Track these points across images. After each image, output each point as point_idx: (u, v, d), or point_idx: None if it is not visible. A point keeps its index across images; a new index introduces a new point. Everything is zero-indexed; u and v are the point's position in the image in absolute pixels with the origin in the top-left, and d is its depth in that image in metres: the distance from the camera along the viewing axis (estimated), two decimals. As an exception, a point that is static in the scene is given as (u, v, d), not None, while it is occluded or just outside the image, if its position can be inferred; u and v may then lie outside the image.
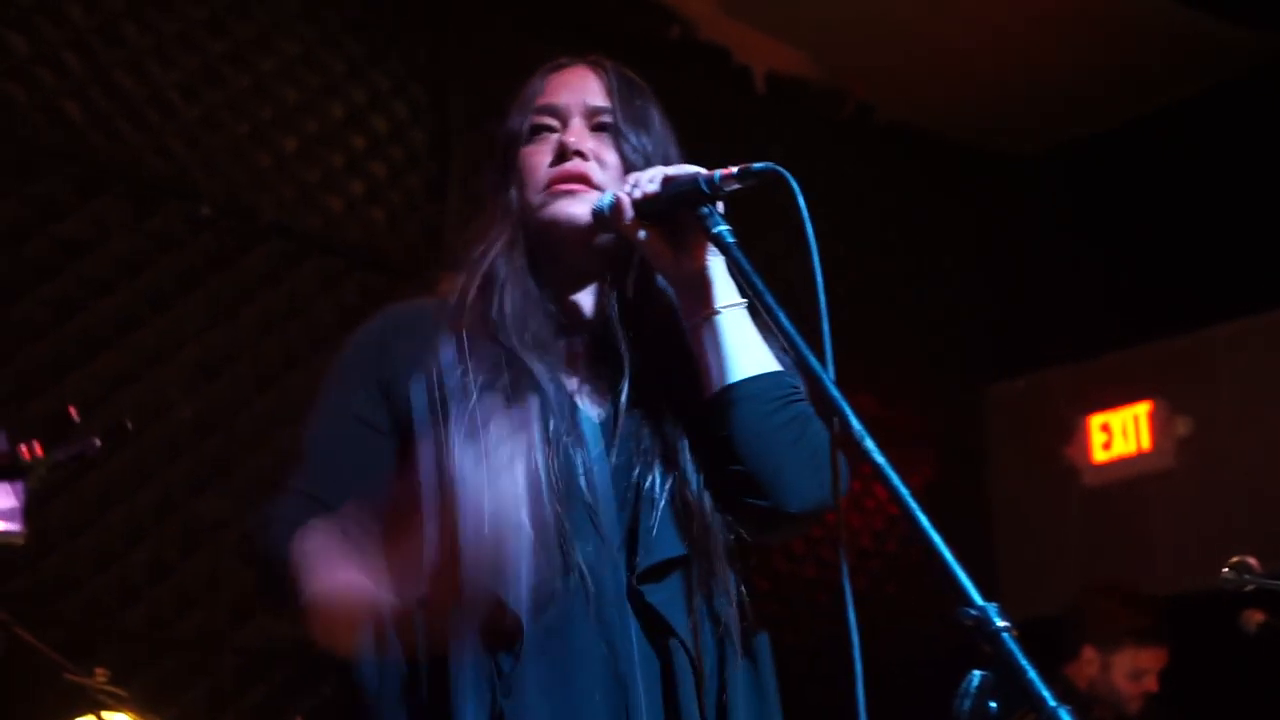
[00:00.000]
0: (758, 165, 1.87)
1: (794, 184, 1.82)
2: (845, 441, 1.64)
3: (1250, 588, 3.08)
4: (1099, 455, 6.84)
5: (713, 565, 1.92)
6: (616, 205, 1.97)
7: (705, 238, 1.92)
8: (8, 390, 4.52)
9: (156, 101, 4.95)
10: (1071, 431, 6.95)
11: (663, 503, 1.91)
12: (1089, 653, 4.79)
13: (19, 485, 2.96)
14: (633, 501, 1.92)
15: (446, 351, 1.92)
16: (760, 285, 1.78)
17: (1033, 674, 1.44)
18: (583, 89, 2.10)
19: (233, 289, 5.02)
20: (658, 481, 1.93)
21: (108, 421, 4.67)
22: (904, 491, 1.57)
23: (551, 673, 1.82)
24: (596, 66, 2.13)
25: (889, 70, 6.69)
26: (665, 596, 1.89)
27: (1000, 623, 1.48)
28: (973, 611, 1.50)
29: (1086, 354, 6.95)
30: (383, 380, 1.99)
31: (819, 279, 1.79)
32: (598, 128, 2.08)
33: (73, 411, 3.27)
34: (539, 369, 1.94)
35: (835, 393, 1.66)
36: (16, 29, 4.67)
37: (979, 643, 1.49)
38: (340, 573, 1.81)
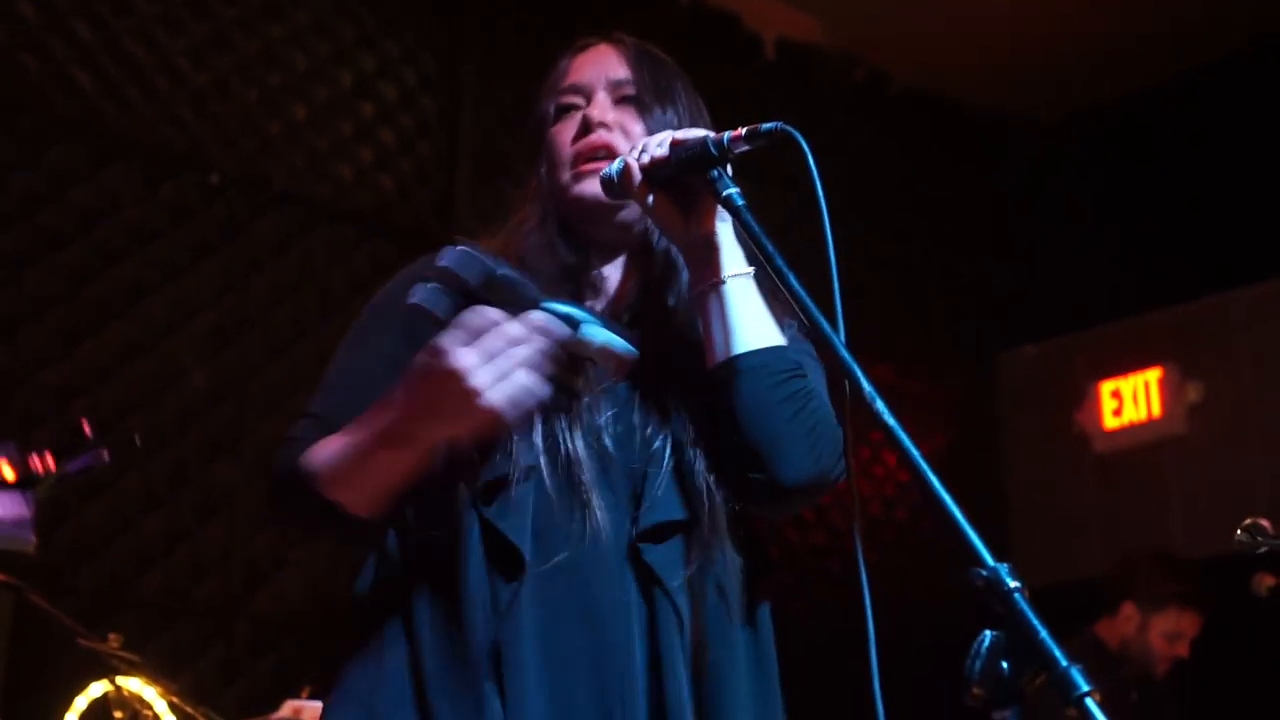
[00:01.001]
0: (766, 125, 1.86)
1: (804, 143, 1.81)
2: (856, 404, 1.63)
3: (1263, 550, 3.08)
4: (1110, 421, 6.84)
5: (714, 531, 1.92)
6: (625, 171, 1.96)
7: (715, 200, 1.92)
8: (21, 360, 4.54)
9: (166, 69, 4.95)
10: (1082, 398, 6.95)
11: (668, 468, 1.93)
12: (1129, 609, 4.82)
13: (29, 496, 2.98)
14: (641, 465, 1.94)
15: (416, 293, 1.89)
16: (770, 247, 1.78)
17: (1045, 633, 1.43)
18: (604, 64, 2.12)
19: (244, 257, 5.03)
20: (666, 448, 1.94)
21: (121, 420, 4.70)
22: (914, 452, 1.56)
23: (545, 611, 1.86)
24: (618, 43, 2.15)
25: (901, 36, 6.67)
26: (663, 557, 1.90)
27: (1012, 582, 1.48)
28: (984, 572, 1.49)
29: (1098, 320, 6.94)
30: (410, 322, 1.94)
31: (829, 238, 1.79)
32: (621, 100, 2.09)
33: (85, 425, 3.28)
34: None
35: (846, 355, 1.65)
36: (27, -1, 4.67)
37: (990, 603, 1.49)
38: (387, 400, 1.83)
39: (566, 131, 2.09)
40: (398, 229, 5.34)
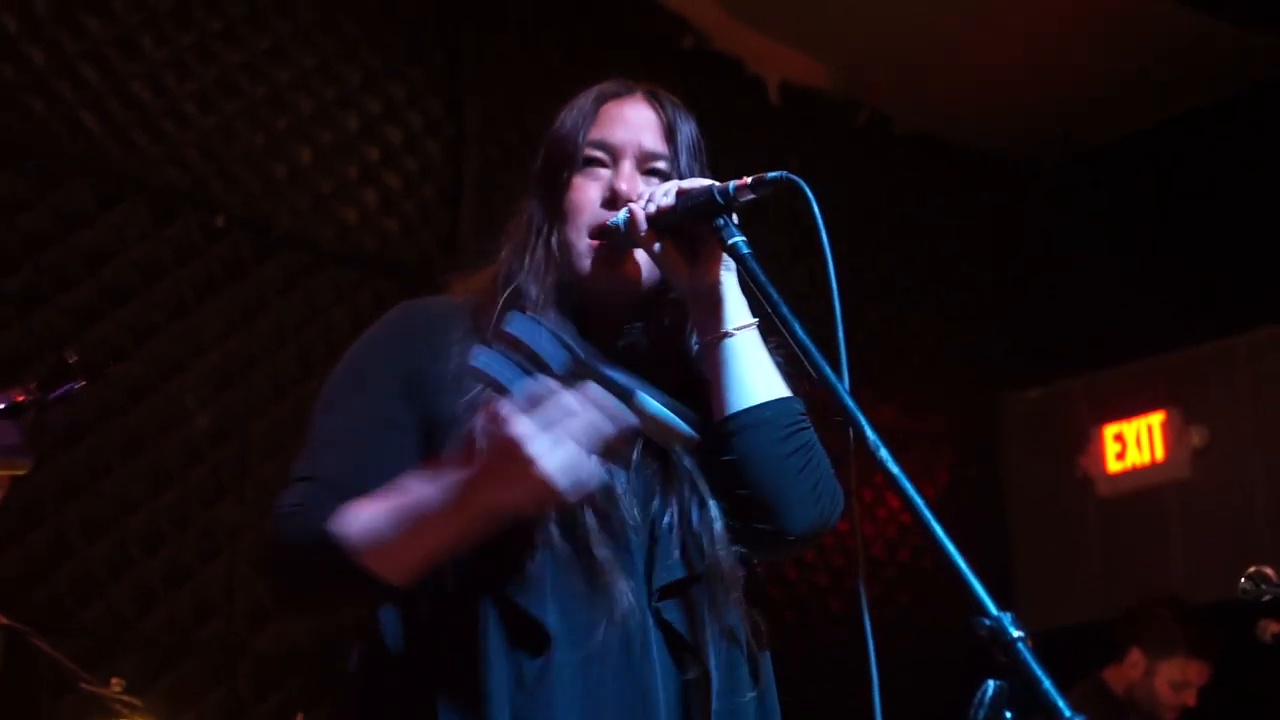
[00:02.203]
0: (772, 174, 1.88)
1: (808, 192, 1.83)
2: (860, 451, 1.64)
3: (1268, 598, 3.08)
4: (1113, 465, 6.84)
5: (724, 585, 1.94)
6: (631, 220, 1.97)
7: (721, 249, 1.93)
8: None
9: (173, 112, 4.97)
10: (1086, 441, 6.94)
11: (677, 524, 1.94)
12: (1135, 655, 4.80)
13: (18, 423, 3.05)
14: (651, 521, 1.94)
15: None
16: (776, 296, 1.79)
17: (1048, 683, 1.44)
18: (639, 128, 2.06)
19: (249, 298, 5.04)
20: (675, 506, 1.95)
21: (122, 427, 4.70)
22: (918, 500, 1.57)
23: (575, 685, 1.84)
24: (654, 102, 2.10)
25: (904, 79, 6.69)
26: (681, 614, 1.92)
27: (1015, 632, 1.48)
28: (987, 621, 1.50)
29: (1101, 363, 6.94)
30: (410, 373, 1.96)
31: (834, 287, 1.80)
32: (649, 172, 2.06)
33: (67, 355, 3.33)
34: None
35: (850, 402, 1.67)
36: (36, 41, 4.70)
37: (993, 652, 1.49)
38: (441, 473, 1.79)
39: (589, 190, 2.04)
40: (402, 270, 5.35)
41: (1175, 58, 6.50)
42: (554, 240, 2.04)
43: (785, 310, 1.76)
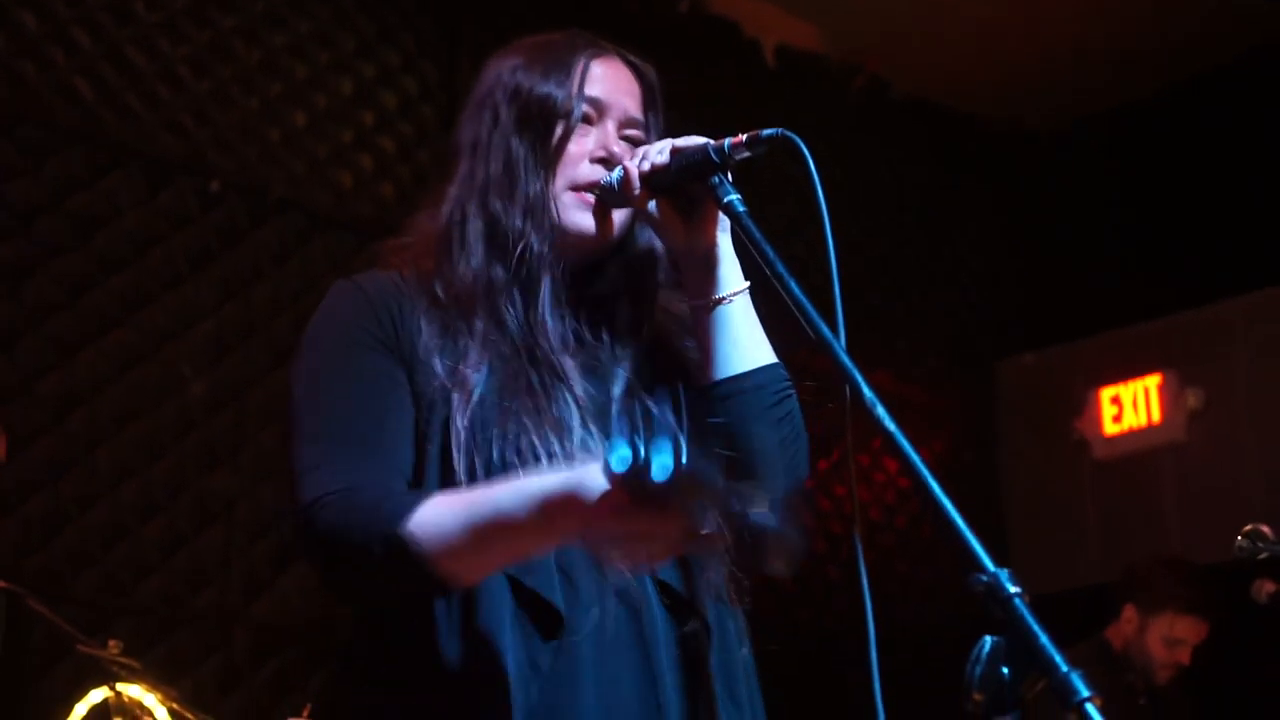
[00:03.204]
0: (767, 131, 1.87)
1: (804, 149, 1.82)
2: (856, 410, 1.64)
3: (1264, 556, 3.08)
4: (1110, 428, 6.84)
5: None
6: (625, 179, 1.96)
7: (716, 208, 1.92)
8: (21, 367, 4.54)
9: (167, 77, 4.95)
10: (1082, 405, 6.95)
11: None
12: (1129, 612, 4.83)
13: None
14: None
15: (447, 341, 1.87)
16: (771, 254, 1.78)
17: (1045, 639, 1.44)
18: (626, 92, 2.04)
19: (244, 264, 5.03)
20: None
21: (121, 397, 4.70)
22: (915, 458, 1.57)
23: (589, 661, 1.82)
24: (636, 71, 2.07)
25: (901, 43, 6.67)
26: (674, 573, 1.91)
27: (1012, 588, 1.48)
28: (984, 577, 1.50)
29: (1098, 327, 6.94)
30: (386, 340, 1.92)
31: (830, 244, 1.80)
32: (625, 138, 2.03)
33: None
34: (547, 351, 1.93)
35: (847, 360, 1.66)
36: (27, 6, 4.68)
37: (990, 608, 1.49)
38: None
39: (581, 145, 2.00)
40: (397, 232, 5.33)
41: (1173, 22, 6.48)
42: (536, 190, 1.98)
43: (781, 268, 1.75)
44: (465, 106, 2.09)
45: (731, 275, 1.97)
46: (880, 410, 1.59)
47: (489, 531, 1.69)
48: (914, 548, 6.59)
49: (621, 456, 1.49)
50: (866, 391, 1.62)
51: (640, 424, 1.50)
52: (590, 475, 1.57)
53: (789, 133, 1.85)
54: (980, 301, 7.26)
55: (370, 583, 1.80)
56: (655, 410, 1.70)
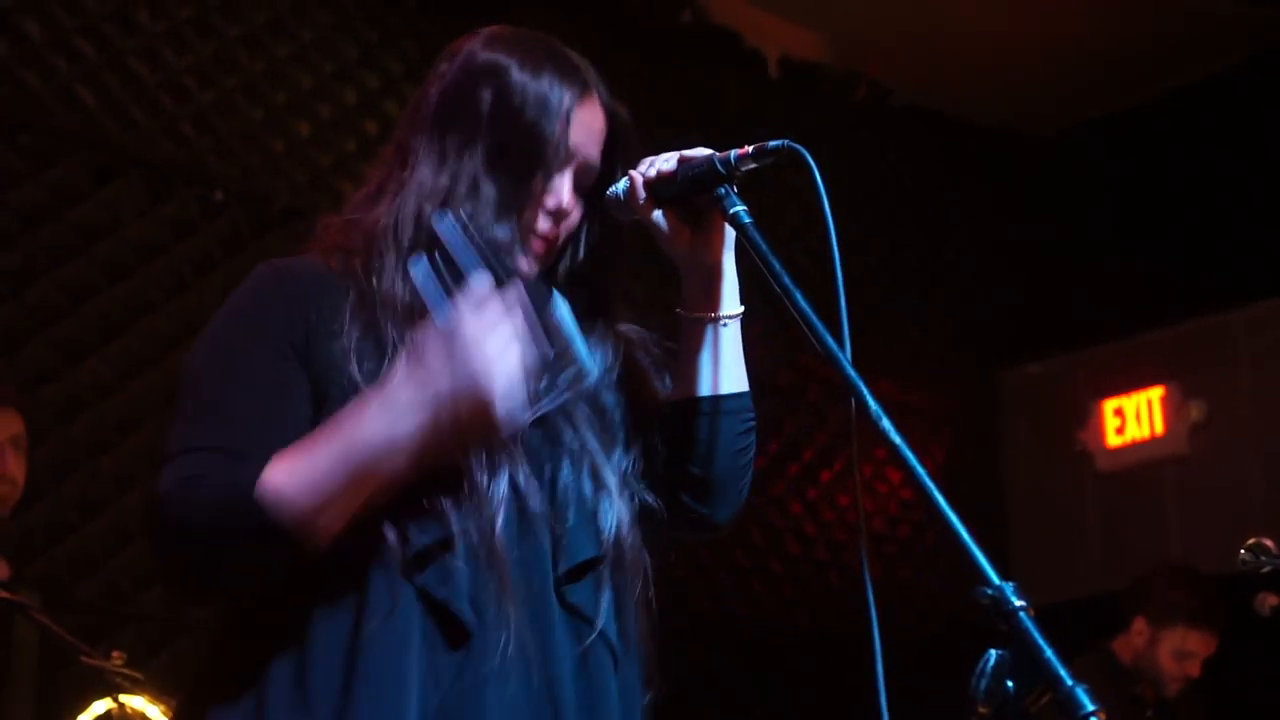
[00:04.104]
0: (774, 143, 1.87)
1: (810, 161, 1.83)
2: (861, 421, 1.64)
3: (1267, 569, 3.08)
4: (1112, 440, 6.84)
5: (624, 568, 1.92)
6: (631, 188, 1.96)
7: (722, 219, 1.93)
8: (24, 375, 4.54)
9: (170, 87, 4.96)
10: (1085, 416, 6.94)
11: (587, 502, 1.90)
12: (1139, 624, 4.79)
13: None
14: (561, 500, 1.88)
15: (418, 270, 1.76)
16: (777, 266, 1.78)
17: (1050, 652, 1.44)
18: (594, 140, 1.97)
19: (246, 273, 5.01)
20: (584, 481, 1.90)
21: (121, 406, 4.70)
22: (920, 471, 1.57)
23: (492, 675, 1.77)
24: (609, 112, 2.00)
25: (903, 51, 6.68)
26: (586, 596, 1.87)
27: (1017, 601, 1.48)
28: (989, 590, 1.50)
29: (1100, 338, 6.94)
30: (296, 336, 1.83)
31: (836, 256, 1.81)
32: (578, 186, 1.96)
33: None
34: None
35: (852, 372, 1.66)
36: (31, 14, 4.68)
37: (995, 622, 1.49)
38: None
39: (563, 184, 1.93)
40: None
41: (1174, 29, 6.48)
42: (505, 234, 1.88)
43: (787, 280, 1.76)
44: (435, 71, 2.00)
45: (731, 297, 2.01)
46: (886, 423, 1.60)
47: (349, 454, 1.67)
48: (916, 556, 6.58)
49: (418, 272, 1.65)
50: (872, 404, 1.62)
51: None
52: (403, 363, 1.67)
53: (795, 144, 1.86)
54: (983, 310, 7.26)
55: (219, 560, 1.73)
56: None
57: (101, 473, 4.64)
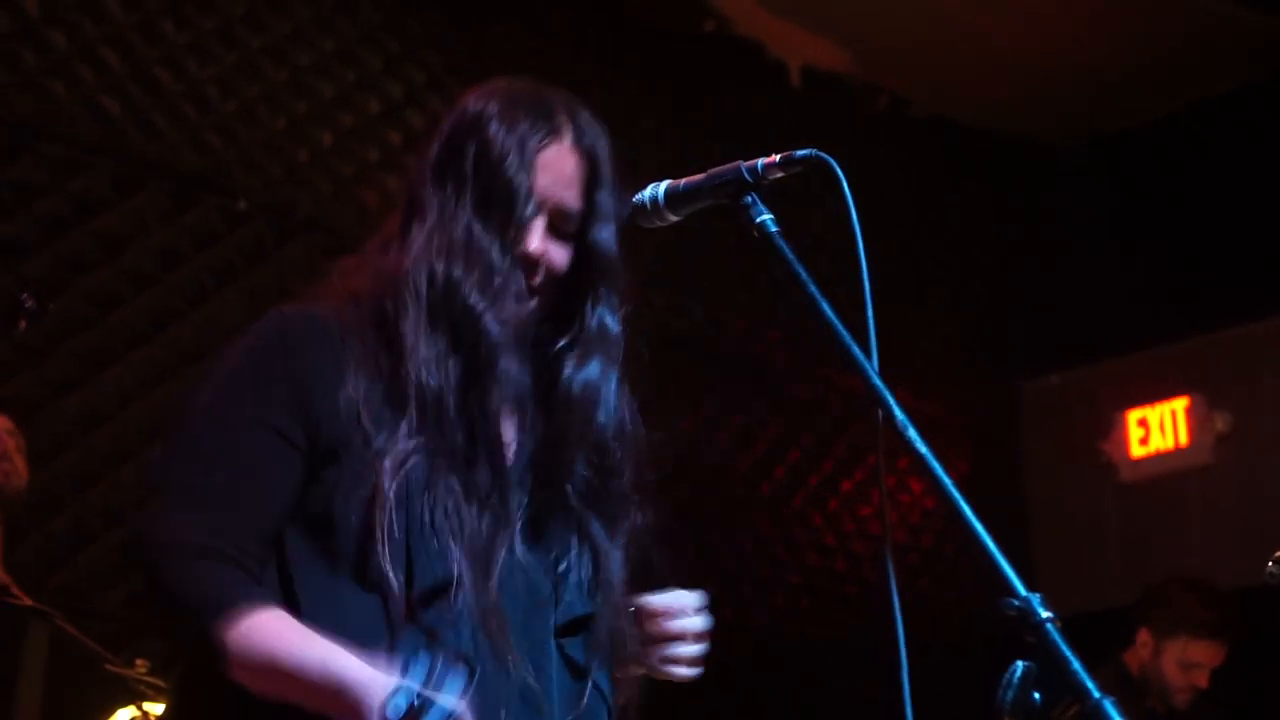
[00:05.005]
0: (801, 152, 1.88)
1: (838, 170, 1.83)
2: (888, 432, 1.63)
3: (1294, 582, 3.05)
4: (1136, 450, 6.82)
5: (613, 622, 2.02)
6: (658, 197, 1.97)
7: (749, 227, 1.93)
8: (47, 384, 4.55)
9: (194, 97, 4.97)
10: (1109, 427, 6.92)
11: (580, 565, 2.00)
12: (1144, 636, 4.77)
13: None
14: (557, 555, 2.00)
15: (375, 388, 1.91)
16: (804, 275, 1.78)
17: (1077, 664, 1.43)
18: (566, 183, 2.01)
19: (269, 283, 5.04)
20: (574, 549, 2.00)
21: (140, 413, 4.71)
22: (947, 481, 1.57)
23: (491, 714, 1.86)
24: (581, 152, 2.04)
25: (926, 63, 6.67)
26: (580, 649, 1.99)
27: (1044, 613, 1.47)
28: (1015, 602, 1.49)
29: (1124, 349, 6.92)
30: (300, 388, 1.93)
31: (864, 264, 1.80)
32: (554, 229, 2.01)
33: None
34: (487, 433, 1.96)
35: (879, 383, 1.66)
36: (57, 25, 4.70)
37: (1022, 633, 1.49)
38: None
39: (532, 231, 1.99)
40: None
41: (1197, 43, 6.47)
42: (500, 279, 1.98)
43: (813, 289, 1.76)
44: (440, 125, 2.11)
45: None
46: (912, 433, 1.59)
47: (285, 676, 1.79)
48: (938, 567, 6.57)
49: (396, 706, 1.67)
50: (898, 414, 1.62)
51: (437, 667, 1.68)
52: (375, 692, 1.71)
53: (823, 154, 1.86)
54: (1006, 321, 7.24)
55: (176, 637, 1.94)
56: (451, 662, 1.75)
57: (123, 483, 4.65)
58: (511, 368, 1.95)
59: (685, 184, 1.96)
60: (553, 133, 2.01)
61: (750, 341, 6.24)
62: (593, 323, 2.03)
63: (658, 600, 2.01)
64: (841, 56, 6.68)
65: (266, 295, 5.00)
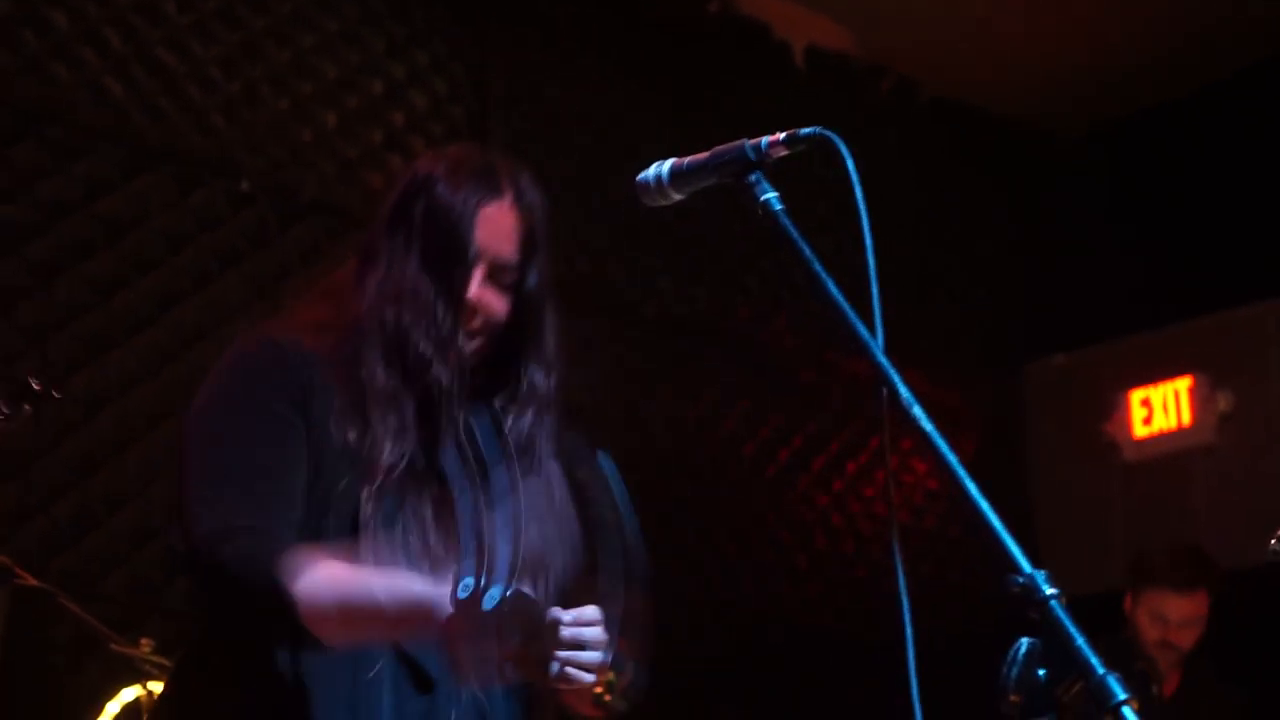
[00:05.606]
0: (806, 130, 1.88)
1: (844, 149, 1.83)
2: (893, 411, 1.63)
3: (1298, 559, 3.07)
4: (1139, 430, 6.81)
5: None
6: (661, 175, 1.97)
7: (753, 206, 1.92)
8: (52, 368, 4.55)
9: (198, 78, 4.97)
10: (1112, 407, 6.91)
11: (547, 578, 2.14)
12: (1128, 597, 4.81)
13: None
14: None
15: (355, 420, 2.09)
16: (808, 253, 1.78)
17: (1081, 641, 1.43)
18: (504, 237, 2.20)
19: (274, 265, 5.04)
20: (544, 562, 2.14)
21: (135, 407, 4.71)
22: (953, 460, 1.57)
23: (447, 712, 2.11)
24: (521, 211, 2.22)
25: (930, 45, 6.66)
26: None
27: (1048, 590, 1.47)
28: (1020, 579, 1.49)
29: (1128, 330, 6.91)
30: (296, 398, 2.11)
31: (869, 243, 1.80)
32: (493, 279, 2.20)
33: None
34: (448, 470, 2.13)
35: (884, 361, 1.66)
36: (58, 6, 4.69)
37: (1026, 610, 1.49)
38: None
39: (470, 281, 2.18)
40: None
41: (1199, 28, 6.46)
42: (447, 329, 2.17)
43: (818, 268, 1.75)
44: (398, 181, 2.32)
45: None
46: (918, 411, 1.60)
47: (359, 615, 1.93)
48: (941, 549, 6.57)
49: (465, 585, 1.80)
50: (904, 393, 1.62)
51: (485, 556, 1.82)
52: (443, 591, 1.84)
53: (828, 132, 1.85)
54: (1010, 302, 7.24)
55: (250, 618, 2.03)
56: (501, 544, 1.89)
57: (129, 466, 4.65)
58: (458, 412, 2.14)
59: (689, 162, 1.96)
60: (494, 191, 2.20)
61: (754, 327, 6.24)
62: (524, 381, 2.22)
63: (569, 612, 2.08)
64: (847, 38, 6.67)
65: (271, 277, 5.01)
